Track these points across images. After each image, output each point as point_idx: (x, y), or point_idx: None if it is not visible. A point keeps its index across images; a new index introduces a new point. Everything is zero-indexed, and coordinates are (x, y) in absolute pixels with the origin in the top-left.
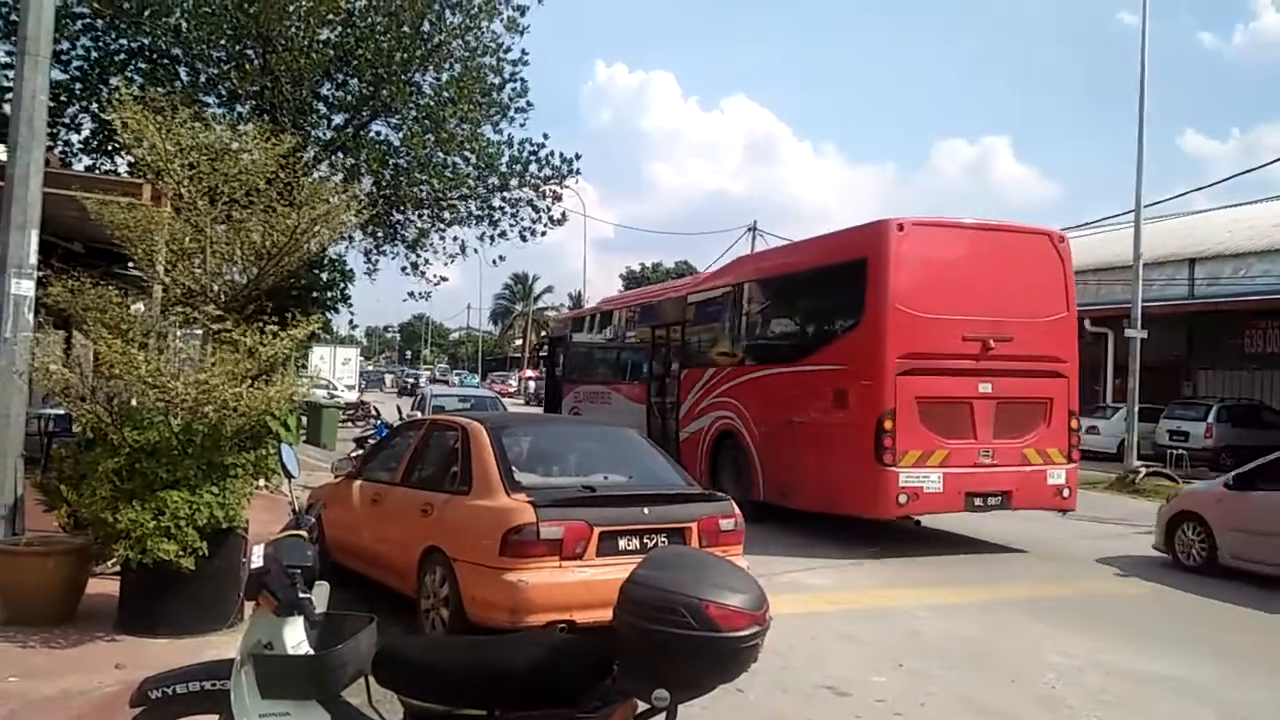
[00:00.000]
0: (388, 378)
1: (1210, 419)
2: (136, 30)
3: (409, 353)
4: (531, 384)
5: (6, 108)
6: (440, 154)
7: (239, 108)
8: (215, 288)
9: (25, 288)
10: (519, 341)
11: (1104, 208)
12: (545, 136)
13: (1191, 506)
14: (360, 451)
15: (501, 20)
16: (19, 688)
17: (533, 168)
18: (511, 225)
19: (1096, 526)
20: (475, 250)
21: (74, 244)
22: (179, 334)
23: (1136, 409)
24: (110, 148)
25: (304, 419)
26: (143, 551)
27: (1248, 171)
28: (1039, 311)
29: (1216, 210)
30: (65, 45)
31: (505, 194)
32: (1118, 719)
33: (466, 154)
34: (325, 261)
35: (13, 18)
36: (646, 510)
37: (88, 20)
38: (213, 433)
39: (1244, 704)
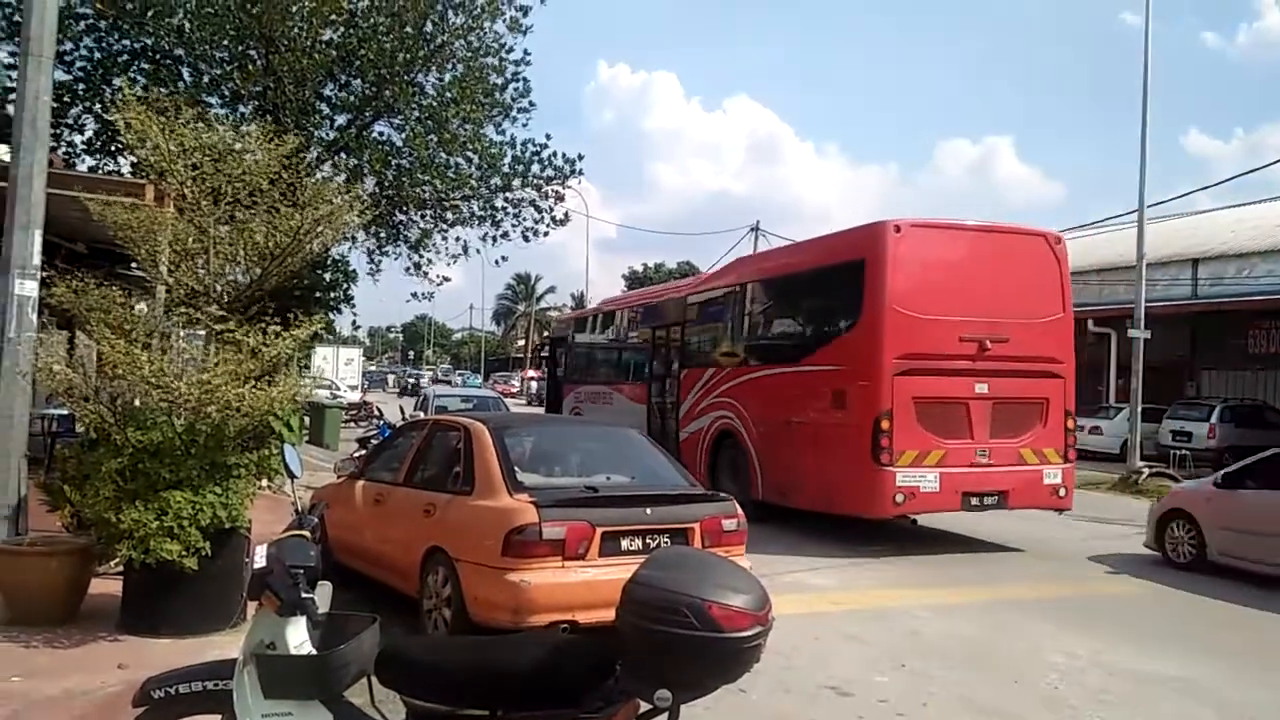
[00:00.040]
0: (390, 378)
1: (1213, 419)
2: (139, 31)
3: (412, 353)
4: (534, 384)
5: (10, 108)
6: (443, 154)
7: (242, 108)
8: (218, 288)
9: (29, 288)
10: (521, 342)
11: (1107, 208)
12: (548, 137)
13: (1181, 505)
14: (363, 452)
15: (504, 20)
16: (22, 687)
17: (535, 168)
18: (514, 226)
19: (1097, 527)
20: (478, 251)
21: (77, 244)
22: (182, 334)
23: (1139, 409)
24: (113, 148)
25: (307, 419)
26: (146, 551)
27: (1251, 171)
28: (1036, 312)
29: (1220, 210)
30: (68, 46)
31: (508, 194)
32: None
33: (469, 154)
34: (328, 262)
35: (16, 19)
36: (649, 511)
37: (91, 21)
38: (216, 433)
39: (1244, 704)
